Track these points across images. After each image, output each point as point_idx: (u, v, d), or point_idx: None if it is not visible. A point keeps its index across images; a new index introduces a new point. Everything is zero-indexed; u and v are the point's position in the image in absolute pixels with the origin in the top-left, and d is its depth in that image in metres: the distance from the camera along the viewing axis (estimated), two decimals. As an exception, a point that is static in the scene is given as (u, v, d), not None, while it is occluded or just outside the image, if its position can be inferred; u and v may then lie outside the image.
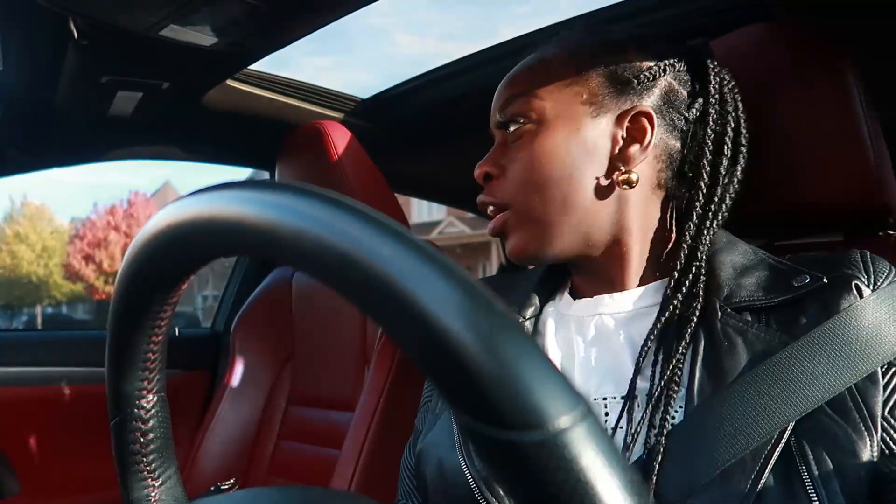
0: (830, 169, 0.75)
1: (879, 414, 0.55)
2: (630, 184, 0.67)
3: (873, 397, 0.55)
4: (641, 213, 0.69)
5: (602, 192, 0.68)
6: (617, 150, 0.68)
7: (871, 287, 0.59)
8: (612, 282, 0.70)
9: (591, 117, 0.68)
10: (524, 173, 0.68)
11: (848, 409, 0.55)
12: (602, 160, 0.68)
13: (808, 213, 0.79)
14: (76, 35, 0.98)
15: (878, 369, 0.56)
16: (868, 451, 0.53)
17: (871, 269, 0.60)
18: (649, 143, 0.67)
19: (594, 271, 0.71)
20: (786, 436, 0.54)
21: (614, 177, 0.67)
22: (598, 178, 0.67)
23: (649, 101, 0.68)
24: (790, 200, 0.78)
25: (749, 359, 0.58)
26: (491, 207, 0.71)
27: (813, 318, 0.58)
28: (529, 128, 0.68)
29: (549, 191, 0.67)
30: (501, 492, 0.62)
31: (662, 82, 0.69)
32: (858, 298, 0.58)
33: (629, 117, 0.68)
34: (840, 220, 0.80)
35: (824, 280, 0.59)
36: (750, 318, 0.61)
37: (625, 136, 0.68)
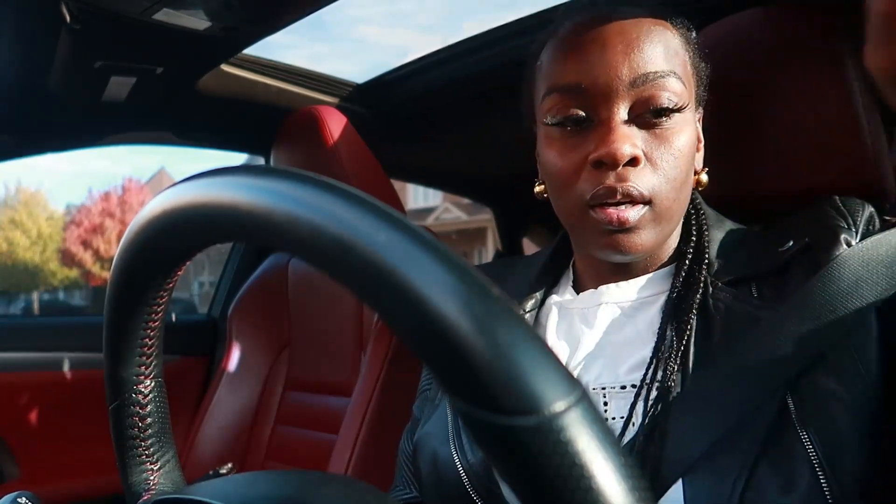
0: (827, 154, 0.75)
1: (875, 359, 0.53)
2: (701, 185, 0.68)
3: (867, 346, 0.54)
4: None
5: (690, 191, 0.66)
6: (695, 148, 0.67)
7: (855, 230, 0.59)
8: (623, 273, 0.68)
9: (696, 112, 0.67)
10: (673, 168, 0.61)
11: (843, 367, 0.53)
12: (693, 158, 0.66)
13: (804, 198, 0.78)
14: (68, 19, 0.97)
15: (872, 314, 0.54)
16: (867, 405, 0.52)
17: (848, 213, 0.60)
18: (702, 139, 0.69)
19: (613, 264, 0.68)
20: (785, 402, 0.53)
21: (695, 177, 0.67)
22: (692, 178, 0.66)
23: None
24: (785, 185, 0.78)
25: (740, 331, 0.57)
26: (628, 197, 0.60)
27: (801, 282, 0.58)
28: (679, 116, 0.62)
29: (686, 189, 0.63)
30: (497, 476, 0.62)
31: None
32: (846, 248, 0.57)
33: (702, 113, 0.69)
34: (836, 206, 0.80)
35: (806, 240, 0.60)
36: (740, 291, 0.60)
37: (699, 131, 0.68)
